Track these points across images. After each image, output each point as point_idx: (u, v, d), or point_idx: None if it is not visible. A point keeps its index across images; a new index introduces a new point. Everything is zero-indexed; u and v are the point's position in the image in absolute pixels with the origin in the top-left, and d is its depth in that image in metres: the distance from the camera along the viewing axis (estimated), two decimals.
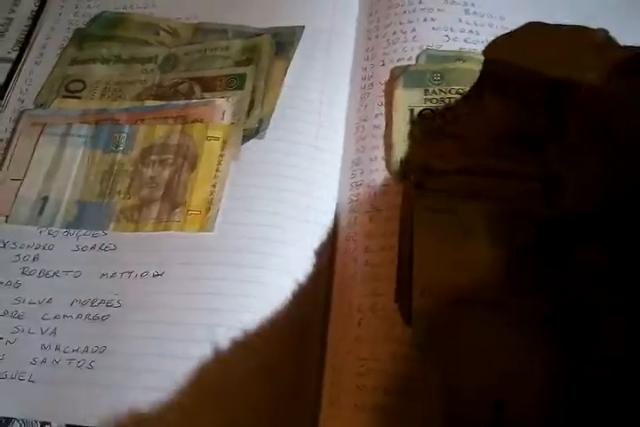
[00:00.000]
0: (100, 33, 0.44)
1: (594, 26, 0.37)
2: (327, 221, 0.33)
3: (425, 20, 0.39)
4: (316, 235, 0.32)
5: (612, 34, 0.36)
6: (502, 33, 0.38)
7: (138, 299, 0.31)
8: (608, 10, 0.40)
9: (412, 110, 0.34)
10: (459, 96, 0.35)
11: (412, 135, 0.33)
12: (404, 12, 0.40)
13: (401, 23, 0.40)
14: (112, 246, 0.33)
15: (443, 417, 0.25)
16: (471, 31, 0.38)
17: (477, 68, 0.36)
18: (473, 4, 0.40)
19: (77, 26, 0.43)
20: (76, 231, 0.34)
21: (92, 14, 0.45)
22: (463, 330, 0.27)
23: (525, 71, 0.35)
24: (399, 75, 0.36)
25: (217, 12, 0.43)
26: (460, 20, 0.39)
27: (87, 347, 0.30)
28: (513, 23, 0.39)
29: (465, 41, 0.38)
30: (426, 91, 0.35)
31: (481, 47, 0.37)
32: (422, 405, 0.25)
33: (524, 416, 0.25)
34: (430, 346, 0.27)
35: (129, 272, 0.32)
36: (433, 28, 0.39)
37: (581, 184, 0.31)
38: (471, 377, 0.25)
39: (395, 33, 0.39)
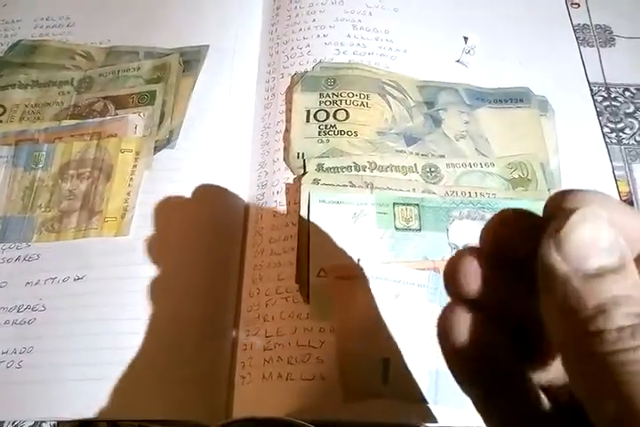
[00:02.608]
0: (17, 60, 0.46)
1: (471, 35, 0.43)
2: (238, 219, 0.36)
3: (318, 36, 0.43)
4: (228, 232, 0.35)
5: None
6: (387, 45, 0.43)
7: (61, 302, 0.33)
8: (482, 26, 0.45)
9: (308, 111, 0.38)
10: (349, 98, 0.39)
11: (307, 134, 0.37)
12: (300, 29, 0.44)
13: (297, 40, 0.44)
14: (35, 256, 0.35)
15: (341, 375, 0.28)
16: (359, 44, 0.43)
17: (365, 74, 0.40)
18: (360, 21, 0.44)
19: None
20: (1, 245, 0.36)
21: (9, 43, 0.47)
22: (353, 301, 0.30)
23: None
24: (298, 81, 0.40)
25: (128, 35, 0.46)
26: (349, 35, 0.43)
27: (15, 349, 0.32)
28: (397, 37, 0.44)
29: (354, 53, 0.42)
30: (321, 94, 0.39)
31: (368, 58, 0.42)
32: (322, 368, 0.29)
33: (406, 371, 0.28)
34: (327, 317, 0.30)
35: (52, 278, 0.34)
36: (325, 43, 0.43)
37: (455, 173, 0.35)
38: (361, 339, 0.29)
39: (292, 49, 0.43)
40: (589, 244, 0.13)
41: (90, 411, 0.30)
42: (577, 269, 0.13)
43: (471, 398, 0.16)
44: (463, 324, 0.15)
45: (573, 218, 0.13)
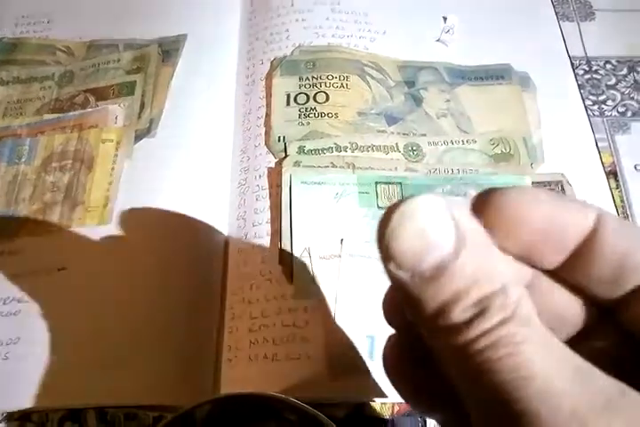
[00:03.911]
0: None
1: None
2: (220, 204, 0.36)
3: (297, 20, 0.43)
4: (210, 217, 0.35)
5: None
6: (366, 27, 0.43)
7: (45, 292, 0.33)
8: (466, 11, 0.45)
9: (288, 95, 0.38)
10: (328, 80, 0.39)
11: (288, 117, 0.37)
12: (279, 15, 0.44)
13: (276, 25, 0.44)
14: (20, 250, 0.35)
15: (326, 353, 0.28)
16: (338, 27, 0.43)
17: (344, 56, 0.40)
18: (339, 4, 0.44)
19: None
20: None
21: None
22: (337, 280, 0.30)
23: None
24: (277, 65, 0.40)
25: (108, 28, 0.46)
26: (328, 19, 0.43)
27: (1, 340, 0.32)
28: (376, 19, 0.44)
29: (332, 36, 0.42)
30: (300, 78, 0.39)
31: (347, 41, 0.42)
32: (307, 347, 0.28)
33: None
34: (311, 297, 0.30)
35: (36, 270, 0.34)
36: (304, 28, 0.43)
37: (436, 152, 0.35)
38: (346, 317, 0.29)
39: (271, 34, 0.43)
40: (417, 242, 0.11)
41: (78, 399, 0.30)
42: (413, 274, 0.11)
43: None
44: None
45: (394, 218, 0.11)
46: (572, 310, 0.14)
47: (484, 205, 0.13)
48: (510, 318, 0.11)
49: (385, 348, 0.16)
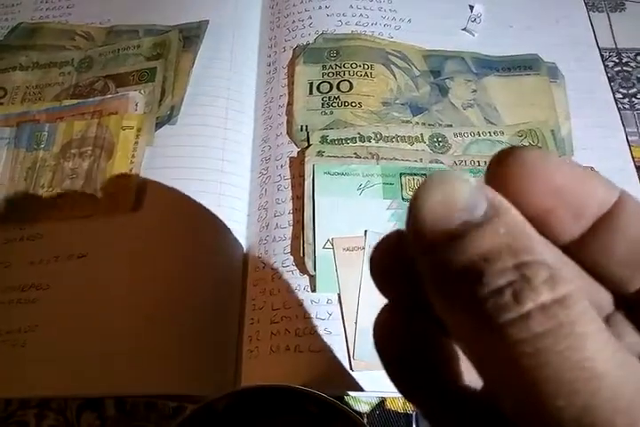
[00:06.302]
0: (17, 43, 0.45)
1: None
2: (240, 194, 0.35)
3: (320, 7, 0.42)
4: (230, 207, 0.35)
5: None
6: (391, 15, 0.42)
7: (65, 280, 0.32)
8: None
9: (311, 84, 0.38)
10: (352, 69, 0.38)
11: (311, 106, 0.36)
12: (301, 2, 0.43)
13: (299, 12, 0.43)
14: (39, 236, 0.35)
15: (349, 346, 0.28)
16: (362, 15, 0.42)
17: (368, 44, 0.39)
18: None
19: None
20: (4, 226, 0.36)
21: (9, 26, 0.46)
22: (359, 273, 0.30)
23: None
24: (300, 53, 0.40)
25: (128, 14, 0.45)
26: (352, 6, 0.42)
27: (20, 328, 0.31)
28: (400, 6, 0.43)
29: (356, 24, 0.41)
30: (323, 66, 0.38)
31: (371, 29, 0.41)
32: (330, 339, 0.28)
33: None
34: (333, 289, 0.29)
35: (55, 257, 0.33)
36: (327, 15, 0.42)
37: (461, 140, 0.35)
38: (368, 310, 0.28)
39: (294, 22, 0.42)
40: (443, 207, 0.10)
41: (96, 388, 0.29)
42: (435, 234, 0.10)
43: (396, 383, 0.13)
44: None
45: (422, 185, 0.11)
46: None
47: (502, 157, 0.11)
48: (569, 297, 0.09)
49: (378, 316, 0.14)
